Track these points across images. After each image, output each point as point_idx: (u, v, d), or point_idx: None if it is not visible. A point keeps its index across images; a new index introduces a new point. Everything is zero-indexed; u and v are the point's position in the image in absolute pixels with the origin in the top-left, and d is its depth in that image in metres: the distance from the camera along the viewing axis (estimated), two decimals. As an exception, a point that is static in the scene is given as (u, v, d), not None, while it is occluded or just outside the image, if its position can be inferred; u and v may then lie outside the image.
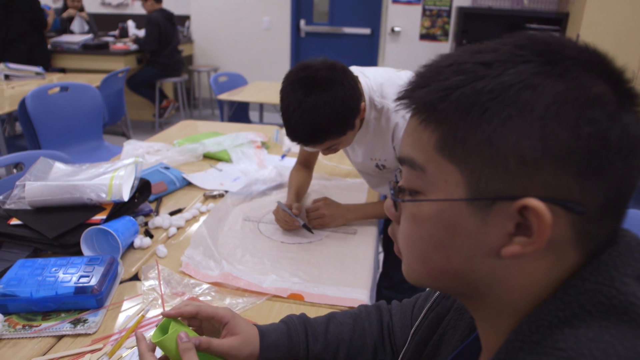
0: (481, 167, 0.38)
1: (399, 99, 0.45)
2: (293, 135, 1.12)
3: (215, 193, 1.48)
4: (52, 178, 1.22)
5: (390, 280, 1.67)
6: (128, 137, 3.74)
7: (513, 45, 0.40)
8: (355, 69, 1.23)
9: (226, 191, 1.50)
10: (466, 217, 0.40)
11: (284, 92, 1.11)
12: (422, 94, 0.42)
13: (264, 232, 1.28)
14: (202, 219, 1.34)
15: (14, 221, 1.14)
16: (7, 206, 1.16)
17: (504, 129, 0.37)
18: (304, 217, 1.31)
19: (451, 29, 4.91)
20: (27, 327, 0.90)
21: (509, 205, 0.38)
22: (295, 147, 1.86)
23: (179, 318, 0.69)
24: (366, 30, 5.36)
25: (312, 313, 0.84)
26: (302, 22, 5.47)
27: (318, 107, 1.05)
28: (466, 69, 0.40)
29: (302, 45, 5.58)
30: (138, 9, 6.21)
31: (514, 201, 0.38)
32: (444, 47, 4.96)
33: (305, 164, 1.52)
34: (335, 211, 1.29)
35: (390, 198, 0.48)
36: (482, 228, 0.40)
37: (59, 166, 1.30)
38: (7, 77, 3.44)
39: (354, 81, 1.12)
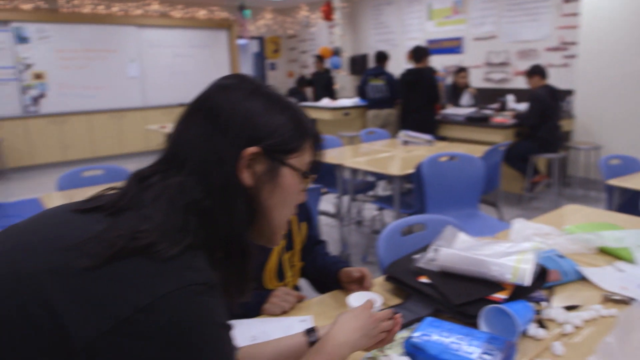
0: None
1: None
2: None
3: (617, 297, 1.31)
4: (458, 247, 1.33)
5: None
6: (498, 208, 3.80)
7: None
8: None
9: (631, 298, 1.31)
10: None
11: None
12: None
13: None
14: (604, 323, 1.20)
15: (423, 279, 1.29)
16: (419, 264, 1.33)
17: None
18: None
19: None
20: (430, 384, 0.99)
21: None
22: None
23: None
24: None
25: None
26: None
27: None
28: None
29: None
30: (518, 83, 6.36)
31: None
32: None
33: None
34: None
35: None
36: None
37: (462, 237, 1.41)
38: (405, 142, 4.05)
39: None
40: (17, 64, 7.10)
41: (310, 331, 1.00)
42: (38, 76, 7.28)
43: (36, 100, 7.31)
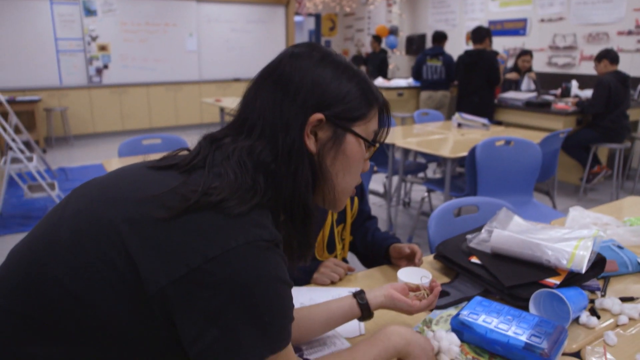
0: None
1: None
2: None
3: (679, 292, 1.26)
4: (512, 230, 1.31)
5: None
6: (552, 197, 3.68)
7: None
8: None
9: (694, 294, 1.25)
10: None
11: None
12: None
13: None
14: (661, 318, 1.16)
15: (474, 259, 1.29)
16: (471, 244, 1.32)
17: None
18: None
19: None
20: (475, 360, 0.99)
21: None
22: None
23: None
24: None
25: None
26: None
27: None
28: None
29: None
30: (584, 69, 6.05)
31: None
32: None
33: None
34: None
35: None
36: None
37: (517, 220, 1.38)
38: (459, 125, 3.96)
39: None
40: (84, 36, 7.41)
41: (358, 293, 1.03)
42: (102, 48, 7.58)
43: (99, 71, 7.63)
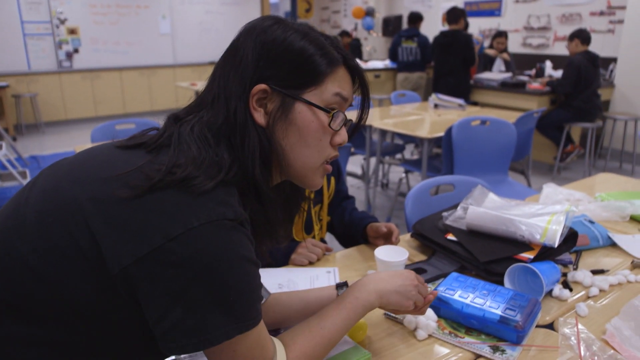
0: None
1: None
2: None
3: (647, 264, 1.30)
4: (487, 207, 1.32)
5: None
6: (526, 176, 3.74)
7: None
8: None
9: (661, 265, 1.29)
10: None
11: None
12: None
13: None
14: (631, 288, 1.20)
15: (450, 236, 1.30)
16: (447, 222, 1.33)
17: None
18: None
19: None
20: (452, 335, 1.01)
21: None
22: None
23: None
24: None
25: None
26: None
27: None
28: None
29: None
30: (558, 49, 6.13)
31: None
32: None
33: None
34: None
35: None
36: None
37: (492, 197, 1.40)
38: (436, 106, 3.98)
39: None
40: (52, 19, 7.17)
41: (341, 285, 1.00)
42: (72, 31, 7.35)
43: (70, 55, 7.41)
